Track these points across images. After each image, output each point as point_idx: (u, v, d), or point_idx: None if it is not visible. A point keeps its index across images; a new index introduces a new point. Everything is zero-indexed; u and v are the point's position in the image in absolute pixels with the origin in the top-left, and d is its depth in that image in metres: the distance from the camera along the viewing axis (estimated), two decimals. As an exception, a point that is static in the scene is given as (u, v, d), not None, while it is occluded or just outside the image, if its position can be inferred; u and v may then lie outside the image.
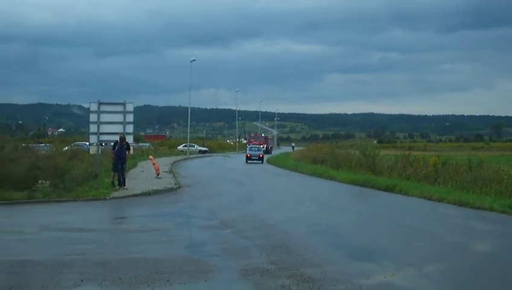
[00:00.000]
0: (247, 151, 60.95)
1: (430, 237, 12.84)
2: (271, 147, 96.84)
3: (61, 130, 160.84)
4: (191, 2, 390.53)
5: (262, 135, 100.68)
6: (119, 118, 26.47)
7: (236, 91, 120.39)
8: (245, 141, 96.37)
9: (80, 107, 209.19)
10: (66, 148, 46.42)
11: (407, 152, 34.40)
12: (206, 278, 8.93)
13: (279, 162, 51.73)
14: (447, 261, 10.29)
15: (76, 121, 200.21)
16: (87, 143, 47.50)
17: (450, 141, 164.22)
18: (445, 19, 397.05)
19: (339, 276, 8.99)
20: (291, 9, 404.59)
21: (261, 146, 75.54)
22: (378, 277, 8.95)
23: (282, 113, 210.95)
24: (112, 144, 24.80)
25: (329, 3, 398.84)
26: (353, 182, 27.96)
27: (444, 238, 12.72)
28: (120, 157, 23.45)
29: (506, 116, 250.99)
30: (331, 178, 31.51)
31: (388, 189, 24.22)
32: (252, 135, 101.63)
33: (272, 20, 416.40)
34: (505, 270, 9.86)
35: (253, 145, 69.03)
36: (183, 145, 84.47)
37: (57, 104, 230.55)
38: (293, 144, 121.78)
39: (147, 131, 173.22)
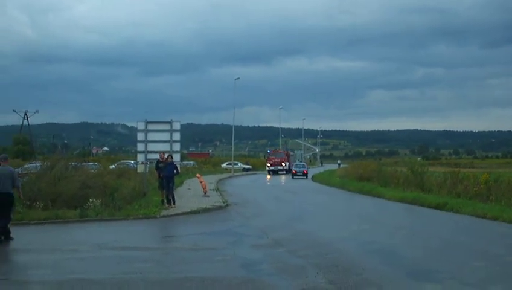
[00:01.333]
0: (293, 168, 64.57)
1: (490, 257, 12.48)
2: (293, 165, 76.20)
3: (105, 148, 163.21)
4: (236, 21, 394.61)
5: (283, 150, 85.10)
6: (166, 136, 26.75)
7: (280, 109, 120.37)
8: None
9: (124, 126, 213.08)
10: (113, 166, 47.07)
11: (456, 169, 33.79)
12: (265, 298, 8.86)
13: (325, 179, 51.44)
14: (510, 283, 9.99)
15: (120, 139, 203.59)
16: (133, 161, 48.16)
17: (497, 157, 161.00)
18: (490, 33, 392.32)
19: (401, 297, 8.82)
20: (334, 26, 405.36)
21: (283, 164, 73.71)
22: (442, 298, 8.75)
23: (325, 130, 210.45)
24: (155, 163, 24.99)
25: (372, 20, 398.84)
26: (402, 200, 27.56)
27: (504, 258, 12.34)
28: (165, 176, 23.50)
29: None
30: (379, 196, 31.14)
31: (439, 207, 23.78)
32: (271, 150, 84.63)
33: (315, 38, 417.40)
34: None
35: (298, 163, 71.27)
36: (226, 163, 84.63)
37: (101, 123, 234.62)
38: (339, 161, 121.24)
39: (190, 149, 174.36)
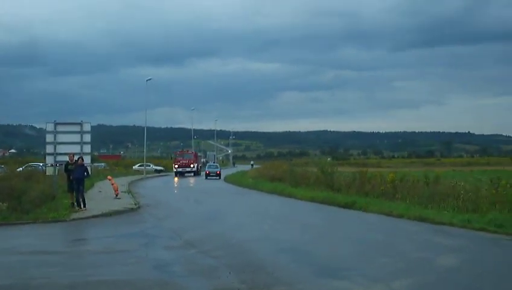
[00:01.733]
0: (206, 168, 67.47)
1: (395, 253, 13.01)
2: (200, 167, 77.79)
3: (12, 150, 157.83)
4: (148, 22, 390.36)
5: (191, 151, 79.85)
6: (76, 138, 26.27)
7: (192, 110, 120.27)
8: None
9: (32, 127, 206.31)
10: (20, 169, 45.69)
11: (364, 169, 34.74)
12: (177, 299, 8.87)
13: (237, 180, 51.76)
14: (415, 276, 10.43)
15: (28, 141, 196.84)
16: (42, 164, 46.90)
17: (403, 157, 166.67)
18: (398, 37, 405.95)
19: (311, 294, 9.04)
20: (248, 28, 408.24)
21: (191, 165, 70.43)
22: (350, 294, 9.03)
23: (238, 131, 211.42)
24: (64, 165, 24.42)
25: (285, 22, 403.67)
26: (313, 200, 28.12)
27: (409, 254, 12.90)
28: (75, 178, 23.01)
29: (456, 133, 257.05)
30: (290, 196, 31.63)
31: (348, 206, 24.43)
32: (179, 151, 79.76)
33: (228, 39, 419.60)
34: (470, 284, 10.05)
35: (212, 164, 72.73)
36: (138, 164, 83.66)
37: (7, 124, 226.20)
38: (252, 162, 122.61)
39: (101, 151, 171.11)
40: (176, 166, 70.79)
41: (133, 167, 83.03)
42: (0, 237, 16.22)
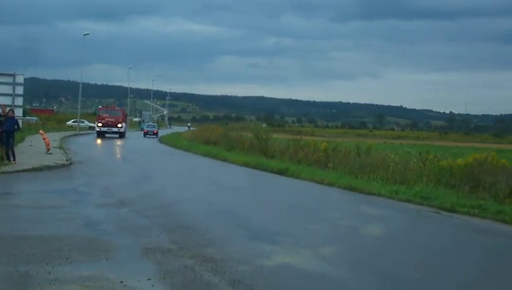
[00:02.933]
0: (144, 127, 74.87)
1: (324, 220, 13.34)
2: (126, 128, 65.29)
3: None
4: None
5: (119, 108, 67.13)
6: (7, 89, 25.68)
7: (129, 68, 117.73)
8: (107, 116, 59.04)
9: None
10: None
11: (298, 137, 35.13)
12: (106, 256, 8.81)
13: (172, 141, 51.53)
14: (342, 243, 10.74)
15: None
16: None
17: (337, 127, 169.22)
18: (339, 8, 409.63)
19: (240, 256, 9.15)
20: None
21: (119, 125, 58.36)
22: (278, 258, 9.20)
23: (174, 92, 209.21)
24: None
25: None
26: (246, 165, 28.29)
27: (337, 221, 13.23)
28: (5, 131, 22.47)
29: (389, 106, 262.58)
30: (224, 160, 31.73)
31: (281, 172, 24.68)
32: (103, 107, 65.69)
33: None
34: (394, 250, 10.43)
35: (150, 123, 76.34)
36: (72, 120, 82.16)
37: None
38: (189, 124, 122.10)
39: (33, 104, 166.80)
40: (100, 124, 58.11)
41: (67, 123, 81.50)
42: None
